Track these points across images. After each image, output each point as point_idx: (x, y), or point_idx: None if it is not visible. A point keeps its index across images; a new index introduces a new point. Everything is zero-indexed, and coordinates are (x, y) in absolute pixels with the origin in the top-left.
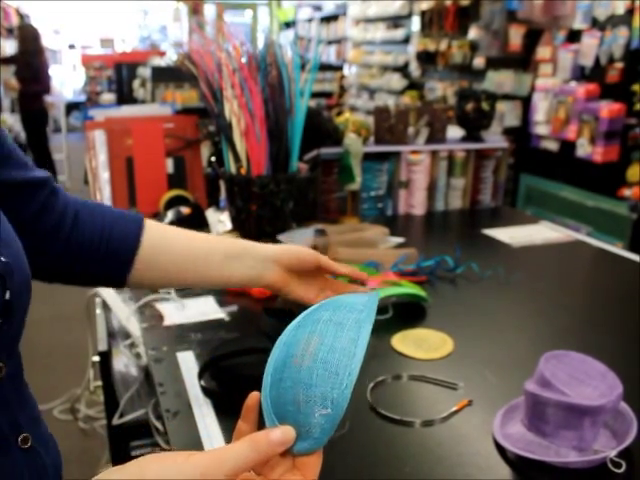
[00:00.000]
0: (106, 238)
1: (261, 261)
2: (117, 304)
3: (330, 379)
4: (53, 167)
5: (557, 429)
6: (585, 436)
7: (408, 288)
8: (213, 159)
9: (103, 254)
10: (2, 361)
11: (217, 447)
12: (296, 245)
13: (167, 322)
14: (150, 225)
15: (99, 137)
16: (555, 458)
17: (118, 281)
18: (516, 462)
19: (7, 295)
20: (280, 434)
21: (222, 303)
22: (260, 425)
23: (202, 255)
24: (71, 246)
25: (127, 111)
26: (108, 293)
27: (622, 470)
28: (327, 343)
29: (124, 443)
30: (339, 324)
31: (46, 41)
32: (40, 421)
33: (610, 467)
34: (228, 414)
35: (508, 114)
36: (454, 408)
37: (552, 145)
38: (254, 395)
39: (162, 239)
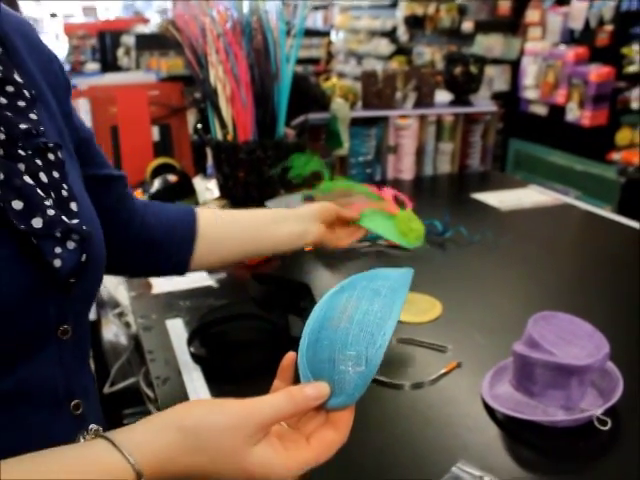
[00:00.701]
0: (171, 235)
1: (303, 220)
2: None
3: (365, 339)
4: None
5: (545, 389)
6: (572, 395)
7: (399, 230)
8: (199, 126)
9: (168, 249)
10: (69, 324)
11: (257, 397)
12: (319, 202)
13: (156, 290)
14: (202, 214)
15: (83, 106)
16: (543, 417)
17: (181, 271)
18: (505, 422)
19: (83, 257)
20: (315, 389)
21: (211, 270)
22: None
23: (254, 227)
24: (140, 241)
25: (111, 79)
26: None
27: (608, 427)
28: (363, 307)
29: (116, 411)
30: (375, 291)
31: (27, 10)
32: (93, 395)
33: (596, 425)
34: (217, 379)
35: (497, 79)
36: (443, 370)
37: (541, 109)
38: (290, 355)
39: (215, 226)
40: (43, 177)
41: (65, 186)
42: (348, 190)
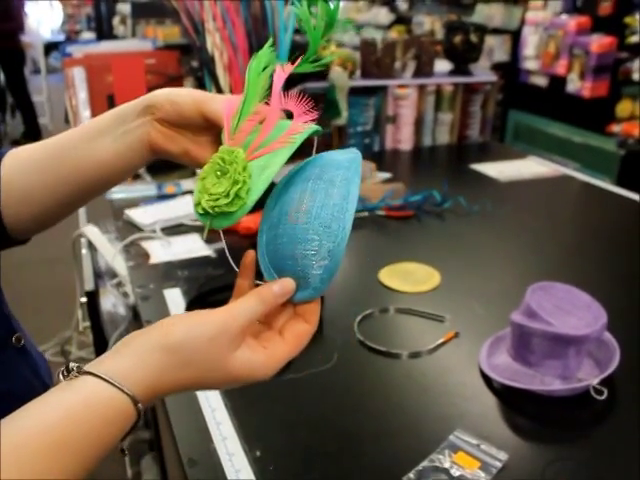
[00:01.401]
0: None
1: (132, 121)
2: (103, 244)
3: (325, 233)
4: (32, 109)
5: (542, 358)
6: (569, 365)
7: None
8: None
9: None
10: None
11: (229, 304)
12: (178, 90)
13: (153, 260)
14: (9, 156)
15: (78, 74)
16: (540, 386)
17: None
18: (502, 391)
19: None
20: (281, 286)
21: (209, 240)
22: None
23: (58, 153)
24: None
25: (106, 47)
26: (93, 233)
27: (604, 397)
28: (319, 200)
29: None
30: (329, 181)
31: None
32: (26, 334)
33: (593, 394)
34: None
35: (497, 49)
36: (441, 340)
37: (541, 80)
38: (250, 253)
39: (18, 166)
40: None
41: None
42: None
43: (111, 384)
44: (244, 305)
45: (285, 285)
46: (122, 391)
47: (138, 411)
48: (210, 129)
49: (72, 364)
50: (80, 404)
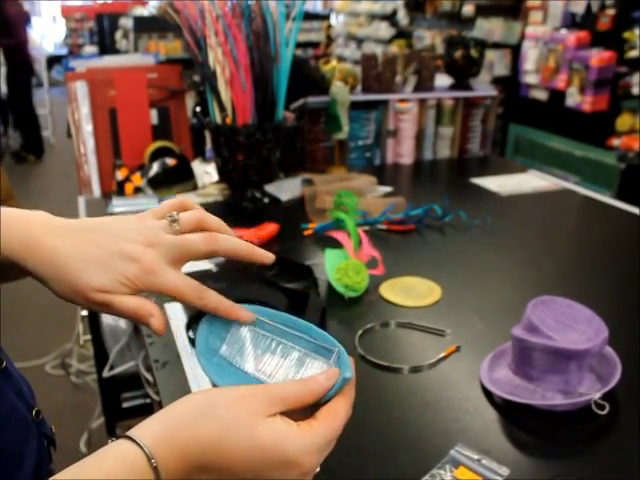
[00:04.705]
0: None
1: None
2: None
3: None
4: (37, 122)
5: (544, 373)
6: (571, 380)
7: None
8: (198, 109)
9: None
10: None
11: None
12: None
13: None
14: None
15: (81, 88)
16: (541, 401)
17: None
18: (503, 406)
19: None
20: (327, 374)
21: None
22: None
23: None
24: None
25: (109, 61)
26: None
27: (605, 412)
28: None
29: (115, 395)
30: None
31: None
32: (8, 356)
33: (594, 409)
34: None
35: (497, 63)
36: (442, 354)
37: (541, 94)
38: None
39: None
40: None
41: None
42: (346, 175)
43: (126, 437)
44: (286, 384)
45: (331, 372)
46: (128, 438)
47: (148, 458)
48: None
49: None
50: (110, 461)
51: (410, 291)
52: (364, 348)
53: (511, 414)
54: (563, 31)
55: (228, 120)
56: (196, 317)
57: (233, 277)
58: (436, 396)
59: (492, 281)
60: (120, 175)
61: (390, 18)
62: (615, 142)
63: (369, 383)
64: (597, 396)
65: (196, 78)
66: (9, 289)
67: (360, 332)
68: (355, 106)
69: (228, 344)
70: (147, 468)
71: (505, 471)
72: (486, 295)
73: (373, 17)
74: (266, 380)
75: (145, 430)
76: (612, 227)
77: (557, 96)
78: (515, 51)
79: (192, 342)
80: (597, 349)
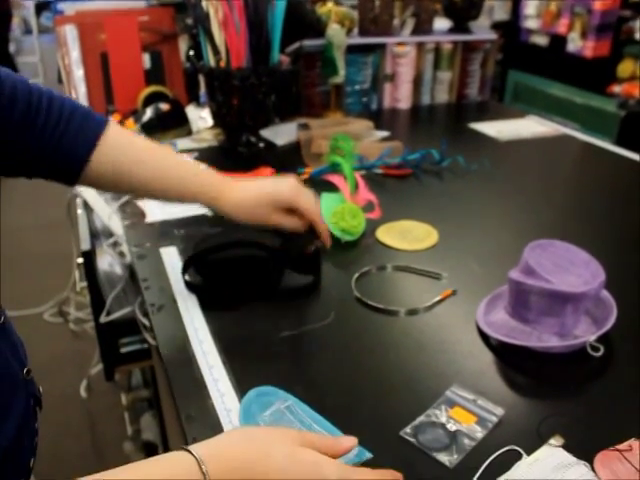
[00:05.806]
0: (63, 128)
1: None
2: (98, 203)
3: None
4: (15, 69)
5: (540, 316)
6: (566, 322)
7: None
8: (191, 53)
9: (57, 144)
10: None
11: None
12: (272, 188)
13: (149, 219)
14: (116, 127)
15: (70, 32)
16: (537, 343)
17: (69, 177)
18: (498, 348)
19: None
20: (348, 439)
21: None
22: None
23: (164, 166)
24: (24, 131)
25: (99, 4)
26: (89, 193)
27: (600, 354)
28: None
29: (113, 341)
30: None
31: None
32: (5, 313)
33: (589, 351)
34: (213, 307)
35: (497, 7)
36: (438, 297)
37: (542, 40)
38: None
39: (127, 143)
40: None
41: None
42: (343, 120)
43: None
44: (313, 433)
45: (351, 438)
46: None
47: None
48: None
49: None
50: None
51: (407, 234)
52: (360, 291)
53: (507, 356)
54: None
55: (222, 63)
56: (191, 260)
57: (228, 221)
58: (432, 339)
59: (489, 226)
60: None
61: None
62: (616, 89)
63: (365, 326)
64: (592, 339)
65: (189, 21)
66: (4, 239)
67: (356, 275)
68: (352, 50)
69: (264, 416)
70: (198, 472)
71: (500, 411)
72: (483, 239)
73: None
74: None
75: (194, 446)
76: (611, 173)
77: (558, 41)
78: None
79: (188, 285)
80: (594, 292)
